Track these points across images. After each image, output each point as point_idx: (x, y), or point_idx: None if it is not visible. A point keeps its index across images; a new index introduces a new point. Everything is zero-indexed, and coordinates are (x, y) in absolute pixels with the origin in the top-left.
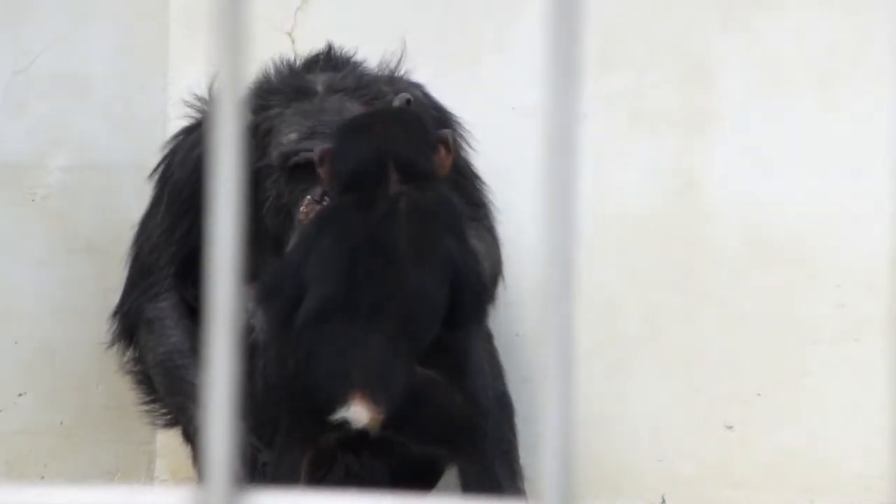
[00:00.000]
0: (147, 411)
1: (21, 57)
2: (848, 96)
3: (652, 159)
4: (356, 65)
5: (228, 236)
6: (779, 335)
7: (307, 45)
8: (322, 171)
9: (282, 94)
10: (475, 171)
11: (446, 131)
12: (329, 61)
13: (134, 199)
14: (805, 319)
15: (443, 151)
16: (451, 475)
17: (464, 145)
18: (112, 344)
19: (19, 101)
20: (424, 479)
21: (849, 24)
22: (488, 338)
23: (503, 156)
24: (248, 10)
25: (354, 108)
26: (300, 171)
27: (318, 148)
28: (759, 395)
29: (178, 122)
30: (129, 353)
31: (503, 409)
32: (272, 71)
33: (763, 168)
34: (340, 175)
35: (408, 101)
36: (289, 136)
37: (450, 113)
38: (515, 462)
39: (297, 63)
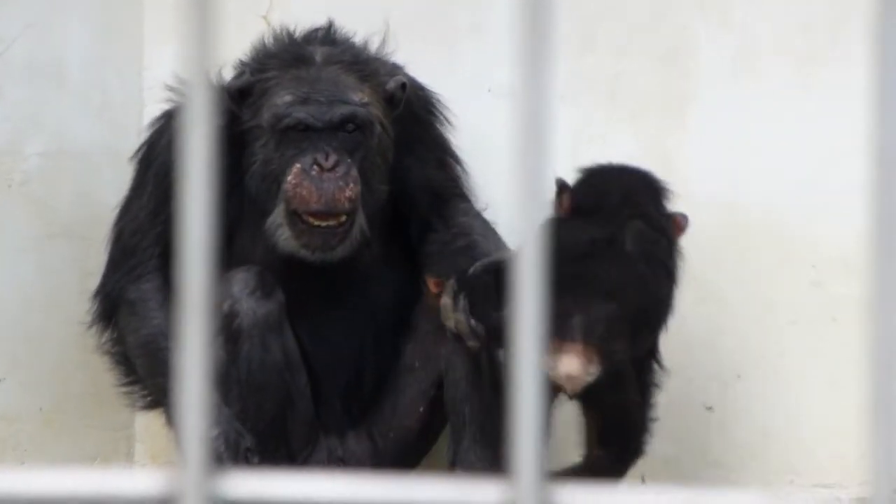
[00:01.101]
0: (126, 393)
1: None
2: (824, 77)
3: (629, 141)
4: (353, 43)
5: (202, 221)
6: (756, 316)
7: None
8: (557, 200)
9: (279, 59)
10: (457, 151)
11: (680, 214)
12: (327, 36)
13: (111, 183)
14: (782, 300)
15: (676, 226)
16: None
17: (447, 124)
18: (92, 324)
19: None
20: (406, 462)
21: (825, 4)
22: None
23: (479, 136)
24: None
25: (349, 81)
26: (290, 136)
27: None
28: (738, 376)
29: (155, 106)
30: (108, 334)
31: (497, 391)
32: (271, 38)
33: (740, 149)
34: (581, 199)
35: (402, 86)
36: (283, 98)
37: (432, 93)
38: (501, 444)
39: (298, 34)
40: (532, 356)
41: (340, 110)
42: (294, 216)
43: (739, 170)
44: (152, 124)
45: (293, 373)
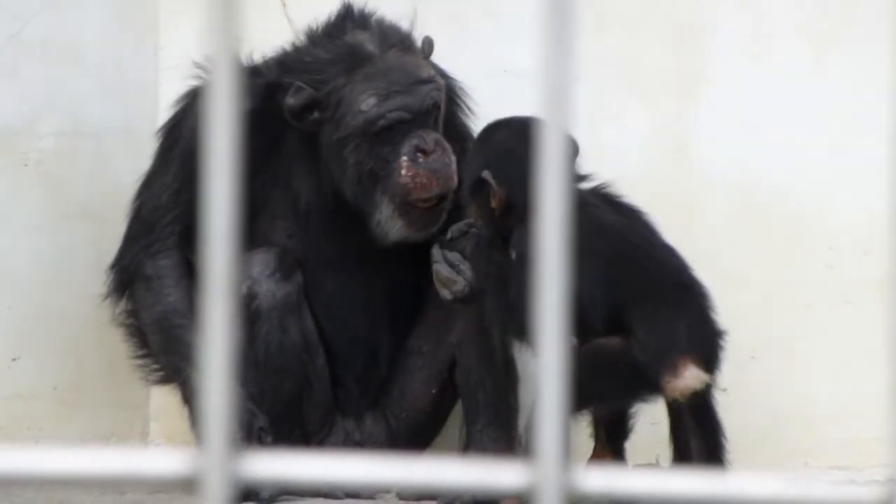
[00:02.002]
0: (139, 366)
1: (13, 22)
2: (840, 58)
3: (644, 122)
4: (380, 19)
5: (224, 202)
6: (771, 298)
7: (298, 10)
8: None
9: (338, 63)
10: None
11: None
12: (355, 21)
13: (126, 163)
14: (798, 282)
15: None
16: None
17: (469, 113)
18: (107, 296)
19: (11, 67)
20: (419, 443)
21: None
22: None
23: (494, 118)
24: None
25: (413, 61)
26: (383, 135)
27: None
28: (752, 357)
29: (171, 86)
30: (122, 306)
31: (507, 375)
32: (307, 43)
33: (755, 130)
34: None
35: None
36: (368, 102)
37: (456, 81)
38: (514, 428)
39: (324, 30)
40: (556, 339)
41: (425, 95)
42: (407, 205)
43: (754, 151)
44: (178, 102)
45: (311, 355)
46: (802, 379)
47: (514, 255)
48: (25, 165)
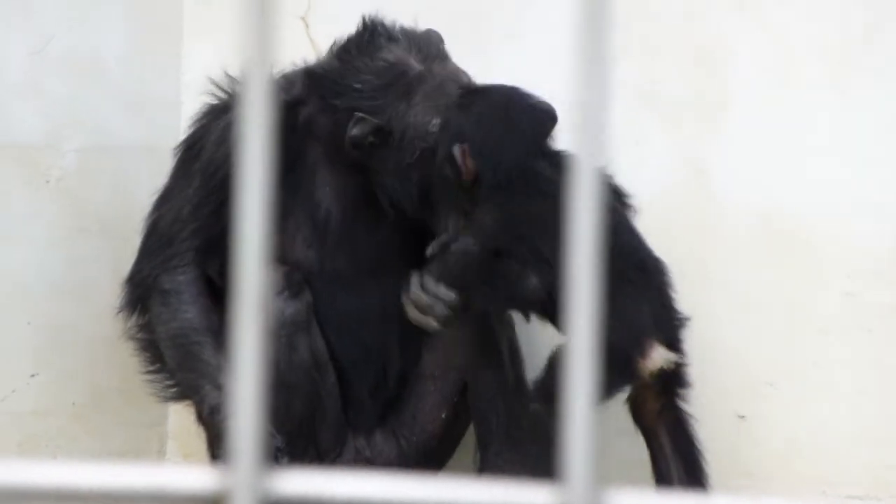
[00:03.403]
0: (151, 381)
1: (35, 38)
2: (860, 83)
3: (662, 146)
4: (405, 29)
5: (256, 219)
6: (790, 324)
7: (320, 29)
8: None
9: (390, 87)
10: None
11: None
12: (384, 34)
13: (148, 181)
14: (816, 309)
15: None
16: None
17: None
18: (121, 310)
19: (34, 83)
20: (431, 466)
21: (862, 9)
22: (509, 324)
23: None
24: None
25: (453, 70)
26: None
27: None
28: (770, 384)
29: (193, 103)
30: (136, 319)
31: (520, 397)
32: (336, 60)
33: (775, 156)
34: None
35: None
36: (433, 122)
37: None
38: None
39: (355, 47)
40: (585, 357)
41: None
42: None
43: (774, 176)
44: (199, 118)
45: (321, 373)
46: (820, 406)
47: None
48: (47, 182)
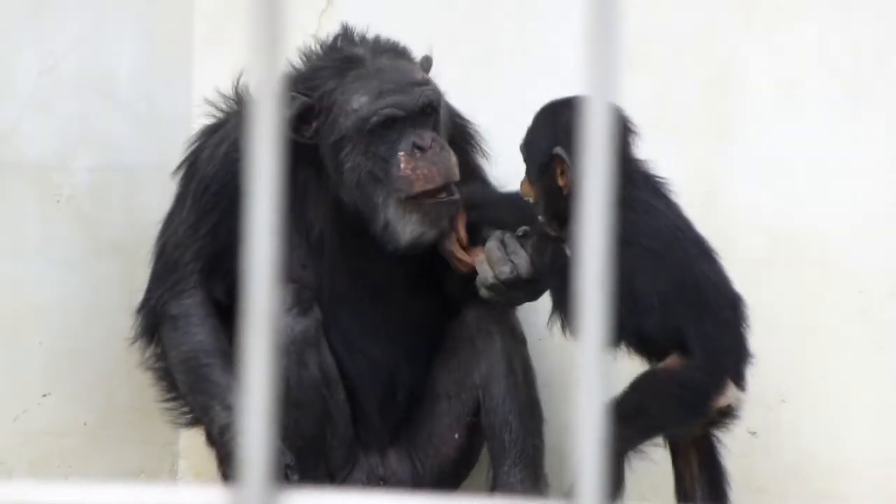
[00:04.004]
0: (168, 409)
1: (46, 57)
2: (871, 101)
3: (675, 164)
4: (377, 36)
5: (266, 237)
6: (801, 341)
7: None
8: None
9: (329, 68)
10: (492, 181)
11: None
12: (350, 38)
13: (159, 198)
14: (828, 325)
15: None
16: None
17: (480, 151)
18: (135, 340)
19: (45, 101)
20: (446, 487)
21: (872, 27)
22: (522, 342)
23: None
24: (284, 9)
25: (404, 65)
26: (377, 134)
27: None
28: (782, 400)
29: (203, 121)
30: (151, 350)
31: (532, 414)
32: (303, 57)
33: (786, 173)
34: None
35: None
36: (360, 100)
37: (470, 122)
38: (540, 468)
39: (323, 46)
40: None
41: (419, 94)
42: (411, 201)
43: (785, 193)
44: (193, 139)
45: (331, 389)
46: (833, 422)
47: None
48: (58, 201)
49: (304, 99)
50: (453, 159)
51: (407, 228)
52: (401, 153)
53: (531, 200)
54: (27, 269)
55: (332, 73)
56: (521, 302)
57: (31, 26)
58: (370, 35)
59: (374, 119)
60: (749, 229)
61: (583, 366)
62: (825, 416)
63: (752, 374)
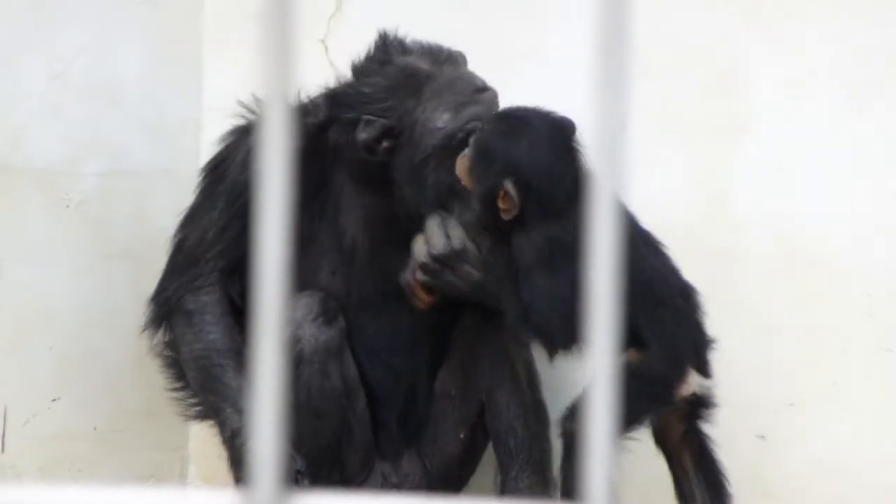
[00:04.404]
0: (175, 399)
1: (55, 63)
2: (879, 105)
3: (681, 168)
4: (417, 41)
5: (276, 245)
6: (810, 345)
7: (340, 52)
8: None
9: (400, 88)
10: None
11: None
12: (396, 46)
13: (168, 204)
14: (836, 329)
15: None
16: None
17: None
18: (145, 328)
19: (54, 107)
20: (452, 487)
21: (881, 32)
22: (526, 346)
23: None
24: (295, 11)
25: (466, 73)
26: (461, 147)
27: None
28: (790, 405)
29: (213, 127)
30: (161, 336)
31: (537, 418)
32: (354, 78)
33: (793, 177)
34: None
35: None
36: (443, 118)
37: None
38: (548, 471)
39: (368, 60)
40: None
41: (489, 102)
42: None
43: (792, 197)
44: (224, 139)
45: (351, 400)
46: (841, 427)
47: (518, 258)
48: (67, 206)
49: (384, 121)
50: None
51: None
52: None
53: (465, 185)
54: (36, 274)
55: (406, 93)
56: (456, 290)
57: (40, 32)
58: (412, 40)
59: (461, 135)
60: (755, 232)
61: (592, 370)
62: (833, 420)
63: (760, 378)
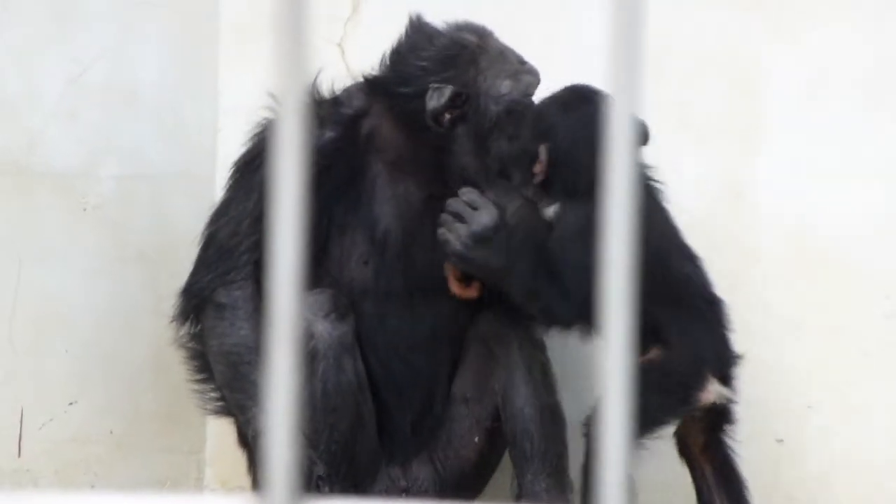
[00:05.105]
0: (197, 391)
1: (73, 66)
2: (894, 105)
3: (700, 169)
4: (448, 21)
5: (290, 243)
6: (828, 346)
7: (356, 55)
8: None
9: (457, 59)
10: None
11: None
12: (431, 28)
13: (185, 207)
14: (854, 330)
15: None
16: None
17: None
18: (175, 319)
19: (71, 111)
20: (467, 492)
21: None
22: (541, 348)
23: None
24: (309, 13)
25: (502, 44)
26: (520, 116)
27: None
28: (808, 407)
29: (229, 130)
30: (188, 328)
31: (553, 421)
32: (391, 64)
33: (810, 178)
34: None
35: None
36: (506, 85)
37: None
38: (565, 474)
39: (408, 45)
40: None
41: (536, 72)
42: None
43: (810, 199)
44: (256, 132)
45: (364, 396)
46: (860, 429)
47: (557, 226)
48: (84, 209)
49: (452, 88)
50: None
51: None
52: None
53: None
54: (53, 277)
55: (466, 63)
56: (493, 273)
57: (58, 35)
58: (447, 20)
59: (525, 101)
60: (774, 234)
61: (607, 368)
62: (852, 423)
63: (779, 380)
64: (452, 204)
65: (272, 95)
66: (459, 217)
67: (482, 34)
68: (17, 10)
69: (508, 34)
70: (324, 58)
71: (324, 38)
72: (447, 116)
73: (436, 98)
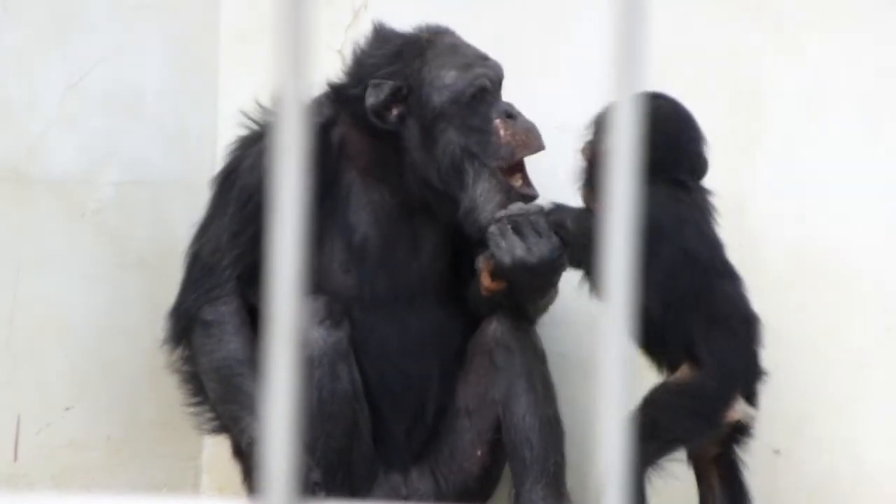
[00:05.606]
0: (193, 413)
1: (73, 72)
2: (894, 118)
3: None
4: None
5: (290, 248)
6: (825, 359)
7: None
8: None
9: (403, 54)
10: None
11: None
12: (389, 31)
13: (185, 213)
14: (852, 343)
15: None
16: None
17: None
18: (165, 342)
19: (71, 116)
20: (473, 499)
21: None
22: (542, 358)
23: (549, 175)
24: (309, 20)
25: (467, 43)
26: (472, 105)
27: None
28: (806, 418)
29: (230, 137)
30: (179, 352)
31: (553, 431)
32: (349, 70)
33: (811, 191)
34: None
35: None
36: (451, 75)
37: None
38: (562, 485)
39: (365, 51)
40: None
41: (495, 66)
42: (509, 172)
43: (810, 211)
44: (233, 148)
45: (360, 403)
46: (857, 441)
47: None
48: (83, 215)
49: (391, 83)
50: (537, 127)
51: (489, 207)
52: (497, 120)
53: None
54: (52, 283)
55: (410, 56)
56: (534, 291)
57: (58, 42)
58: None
59: (470, 90)
60: (774, 246)
61: (604, 377)
62: (849, 434)
63: (776, 391)
64: (516, 215)
65: (246, 113)
66: (518, 230)
67: (437, 31)
68: (17, 16)
69: (510, 43)
70: (325, 65)
71: (325, 44)
72: (393, 112)
73: (374, 94)
